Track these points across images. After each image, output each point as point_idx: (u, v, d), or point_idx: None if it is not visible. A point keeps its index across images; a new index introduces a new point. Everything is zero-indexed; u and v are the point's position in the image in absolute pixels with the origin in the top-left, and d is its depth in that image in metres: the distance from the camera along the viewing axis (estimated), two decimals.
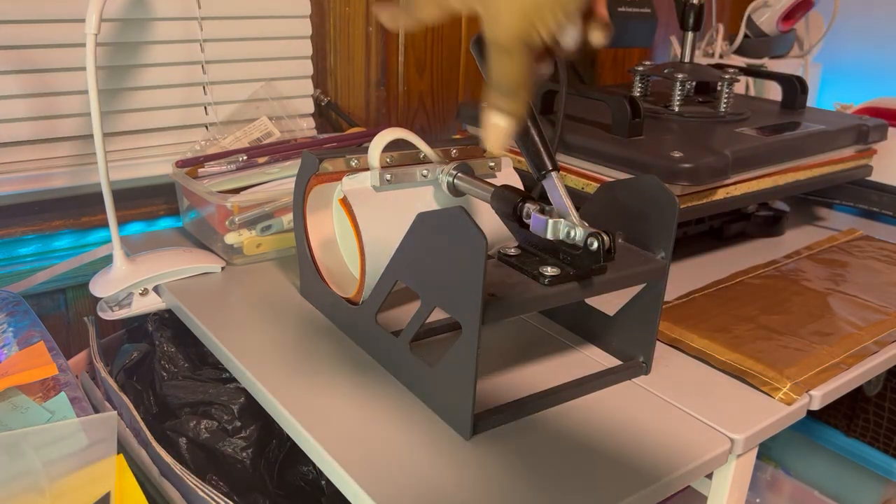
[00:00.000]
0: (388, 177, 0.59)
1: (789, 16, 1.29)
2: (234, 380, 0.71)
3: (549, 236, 0.50)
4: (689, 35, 0.90)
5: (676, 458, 0.50)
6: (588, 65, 1.29)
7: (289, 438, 0.72)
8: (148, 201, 0.89)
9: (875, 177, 0.93)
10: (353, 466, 0.48)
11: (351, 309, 0.62)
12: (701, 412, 0.55)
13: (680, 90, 0.86)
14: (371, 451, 0.49)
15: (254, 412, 0.71)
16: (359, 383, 0.57)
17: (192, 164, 0.80)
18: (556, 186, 0.51)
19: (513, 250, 0.54)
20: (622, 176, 0.72)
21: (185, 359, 0.74)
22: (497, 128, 0.42)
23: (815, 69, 1.41)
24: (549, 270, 0.50)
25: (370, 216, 0.58)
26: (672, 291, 0.73)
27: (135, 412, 0.65)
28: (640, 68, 0.92)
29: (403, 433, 0.51)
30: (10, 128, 0.78)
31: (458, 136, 0.97)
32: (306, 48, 0.96)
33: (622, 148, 0.73)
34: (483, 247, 0.44)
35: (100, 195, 0.70)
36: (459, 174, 0.60)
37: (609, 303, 0.62)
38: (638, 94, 0.92)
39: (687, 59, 0.91)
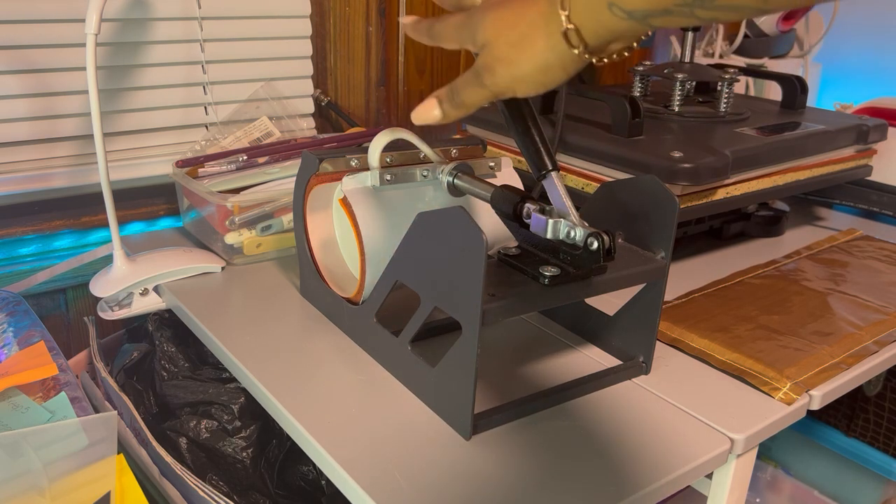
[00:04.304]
0: (388, 177, 0.59)
1: (789, 15, 1.29)
2: (234, 380, 0.71)
3: (549, 236, 0.50)
4: (689, 35, 0.90)
5: (676, 458, 0.50)
6: (588, 66, 1.29)
7: (289, 438, 0.72)
8: (148, 201, 0.89)
9: (875, 177, 0.93)
10: (353, 466, 0.48)
11: (351, 309, 0.62)
12: (701, 412, 0.55)
13: (680, 90, 0.86)
14: (371, 451, 0.49)
15: (254, 412, 0.71)
16: (359, 383, 0.57)
17: (192, 164, 0.80)
18: (556, 186, 0.51)
19: (513, 250, 0.54)
20: (622, 176, 0.72)
21: (185, 359, 0.74)
22: (431, 110, 0.49)
23: (815, 69, 1.41)
24: (549, 270, 0.50)
25: (370, 216, 0.58)
26: (672, 291, 0.73)
27: (135, 412, 0.65)
28: (640, 68, 0.92)
29: (403, 433, 0.51)
30: (10, 128, 0.78)
31: (458, 136, 0.97)
32: (306, 48, 0.96)
33: (622, 148, 0.73)
34: (483, 246, 0.44)
35: (100, 195, 0.70)
36: (459, 174, 0.60)
37: (609, 303, 0.62)
38: (638, 94, 0.92)
39: (687, 59, 0.91)
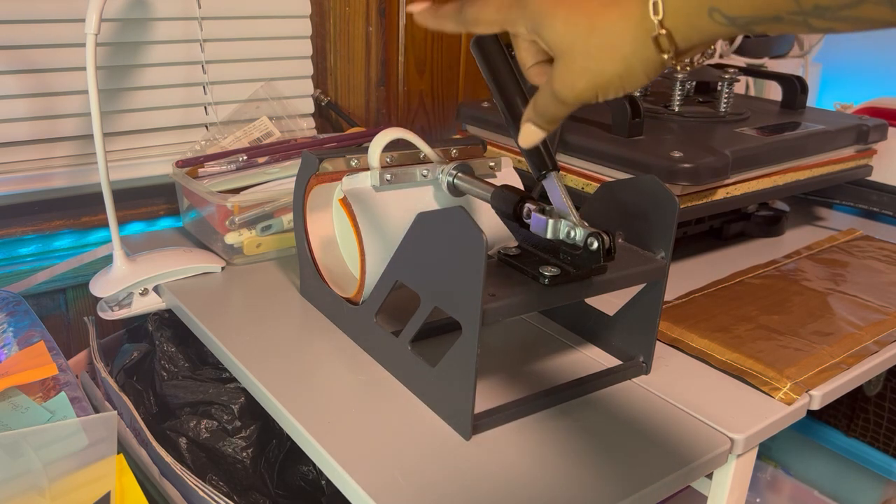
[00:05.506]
0: (388, 177, 0.59)
1: None
2: (234, 380, 0.71)
3: (549, 236, 0.50)
4: None
5: (676, 458, 0.50)
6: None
7: (289, 438, 0.72)
8: (148, 201, 0.89)
9: (875, 177, 0.93)
10: (353, 466, 0.48)
11: (351, 309, 0.62)
12: (701, 412, 0.55)
13: (680, 90, 0.86)
14: (371, 450, 0.49)
15: (254, 412, 0.71)
16: (359, 383, 0.57)
17: (192, 164, 0.80)
18: (556, 186, 0.51)
19: (513, 250, 0.54)
20: (622, 176, 0.72)
21: (185, 359, 0.74)
22: (533, 133, 0.46)
23: (815, 69, 1.42)
24: (549, 270, 0.50)
25: (370, 216, 0.58)
26: (672, 291, 0.73)
27: (135, 412, 0.65)
28: None
29: (403, 433, 0.51)
30: (10, 128, 0.78)
31: (458, 136, 0.97)
32: (306, 48, 0.96)
33: (622, 148, 0.73)
34: (483, 246, 0.44)
35: (100, 195, 0.70)
36: (459, 174, 0.60)
37: (609, 303, 0.62)
38: (638, 94, 0.92)
39: (687, 59, 0.91)
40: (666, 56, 0.38)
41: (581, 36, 0.40)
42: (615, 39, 0.39)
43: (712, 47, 0.41)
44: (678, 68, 0.40)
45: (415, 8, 0.49)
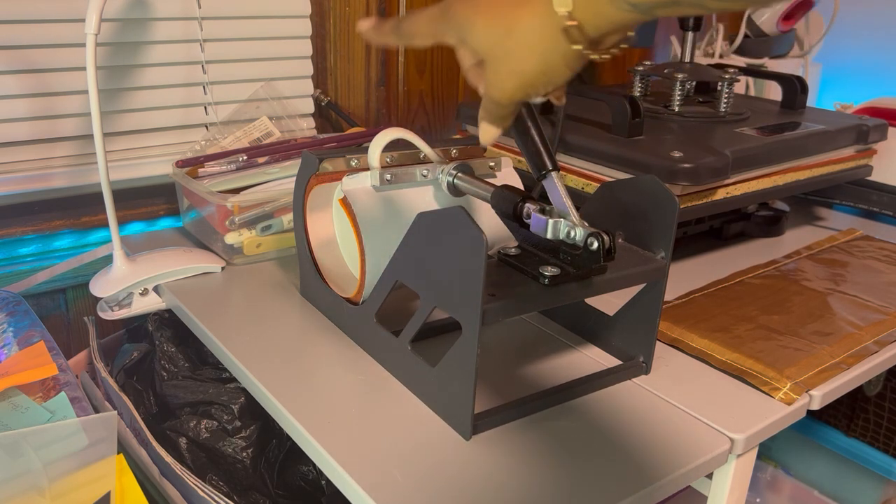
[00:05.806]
0: (388, 177, 0.59)
1: (789, 16, 1.29)
2: (234, 380, 0.71)
3: (550, 236, 0.50)
4: (690, 35, 0.90)
5: (676, 458, 0.50)
6: (588, 65, 1.29)
7: (289, 438, 0.72)
8: (148, 201, 0.89)
9: (875, 177, 0.93)
10: (353, 466, 0.48)
11: (351, 309, 0.62)
12: (701, 412, 0.55)
13: (680, 90, 0.86)
14: (371, 450, 0.49)
15: (254, 412, 0.71)
16: (359, 383, 0.57)
17: (192, 164, 0.80)
18: (556, 186, 0.51)
19: (513, 250, 0.54)
20: (622, 176, 0.72)
21: (185, 359, 0.74)
22: (488, 131, 0.48)
23: (815, 69, 1.42)
24: (549, 270, 0.50)
25: (370, 216, 0.58)
26: (672, 291, 0.73)
27: (135, 412, 0.65)
28: (640, 68, 0.92)
29: (403, 433, 0.51)
30: (10, 128, 0.78)
31: (458, 136, 0.97)
32: (306, 48, 0.96)
33: (622, 148, 0.73)
34: (483, 246, 0.44)
35: (100, 195, 0.70)
36: (459, 174, 0.60)
37: (609, 303, 0.62)
38: (638, 94, 0.92)
39: (687, 59, 0.91)
40: (579, 47, 0.40)
41: (500, 39, 0.42)
42: (530, 38, 0.41)
43: (628, 36, 0.42)
44: (598, 57, 0.41)
45: (362, 26, 0.51)
